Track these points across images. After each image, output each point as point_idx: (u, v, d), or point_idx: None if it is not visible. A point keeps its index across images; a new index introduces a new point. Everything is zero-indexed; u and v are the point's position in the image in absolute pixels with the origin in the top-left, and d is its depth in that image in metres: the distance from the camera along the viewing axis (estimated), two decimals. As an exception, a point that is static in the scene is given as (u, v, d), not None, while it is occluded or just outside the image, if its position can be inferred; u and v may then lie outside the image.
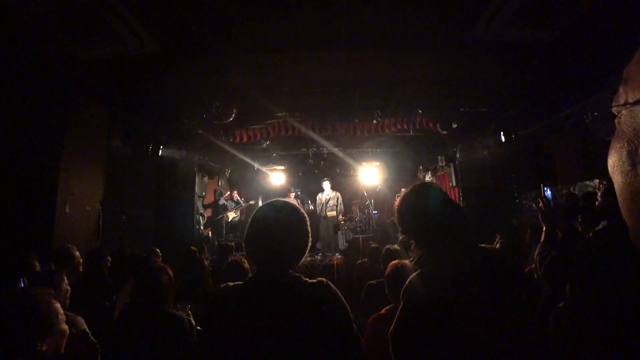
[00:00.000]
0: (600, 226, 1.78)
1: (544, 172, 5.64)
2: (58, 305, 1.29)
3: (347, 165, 8.72)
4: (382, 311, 1.99)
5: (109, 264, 3.39)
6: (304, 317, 1.08)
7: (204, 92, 4.98)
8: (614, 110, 0.44)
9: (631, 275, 1.49)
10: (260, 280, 1.16)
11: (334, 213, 8.08)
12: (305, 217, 1.24)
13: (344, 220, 8.26)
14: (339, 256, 6.80)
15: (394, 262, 2.09)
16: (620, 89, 0.44)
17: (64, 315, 1.30)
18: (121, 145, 5.34)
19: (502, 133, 5.81)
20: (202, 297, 2.82)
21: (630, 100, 0.41)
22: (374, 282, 2.83)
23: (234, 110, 5.18)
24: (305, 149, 7.89)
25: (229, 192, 8.88)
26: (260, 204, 1.62)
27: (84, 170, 4.71)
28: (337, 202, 8.16)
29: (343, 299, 1.17)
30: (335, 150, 7.68)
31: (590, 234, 1.80)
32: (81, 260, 2.99)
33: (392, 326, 1.18)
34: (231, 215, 8.54)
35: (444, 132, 5.88)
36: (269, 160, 8.38)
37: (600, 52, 3.71)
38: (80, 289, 2.59)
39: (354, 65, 4.43)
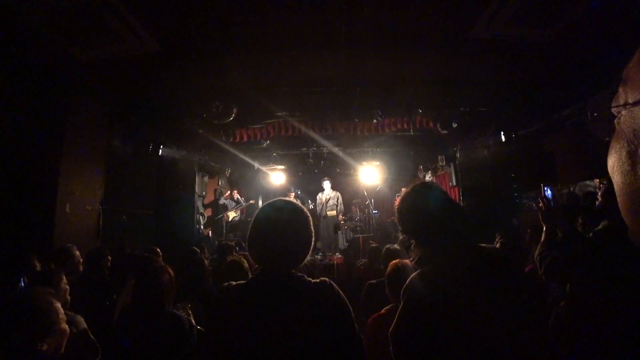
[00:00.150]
0: (600, 226, 1.78)
1: (544, 172, 5.64)
2: (58, 305, 1.30)
3: (347, 165, 8.72)
4: (382, 311, 1.99)
5: (109, 264, 3.39)
6: (307, 316, 1.08)
7: (204, 92, 4.98)
8: (614, 110, 0.45)
9: (631, 275, 1.49)
10: (263, 279, 1.16)
11: (334, 213, 8.08)
12: (308, 217, 1.24)
13: (344, 219, 8.26)
14: (339, 256, 6.80)
15: (394, 261, 2.09)
16: (620, 90, 0.44)
17: (64, 315, 1.30)
18: (121, 145, 5.34)
19: (502, 133, 5.81)
20: (202, 296, 2.82)
21: (630, 101, 0.41)
22: (374, 281, 2.83)
23: (234, 110, 5.18)
24: (305, 149, 7.89)
25: (229, 192, 8.88)
26: (260, 203, 1.62)
27: (84, 170, 4.71)
28: (337, 201, 8.16)
29: (346, 299, 1.17)
30: (336, 149, 7.68)
31: (591, 234, 1.80)
32: (81, 260, 3.00)
33: (392, 326, 1.19)
34: (231, 214, 8.54)
35: (444, 132, 5.88)
36: (269, 160, 8.38)
37: (600, 52, 3.70)
38: (80, 289, 2.60)
39: (354, 65, 4.43)
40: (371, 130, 6.13)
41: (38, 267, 2.82)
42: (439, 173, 8.12)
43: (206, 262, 4.25)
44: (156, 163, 6.43)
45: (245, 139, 6.32)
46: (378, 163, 8.55)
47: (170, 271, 2.00)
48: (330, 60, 4.29)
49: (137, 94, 5.00)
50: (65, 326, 1.28)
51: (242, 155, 7.71)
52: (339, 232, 8.33)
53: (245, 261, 2.63)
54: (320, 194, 8.40)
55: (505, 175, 6.37)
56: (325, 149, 7.64)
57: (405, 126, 6.03)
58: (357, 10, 3.32)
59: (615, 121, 0.45)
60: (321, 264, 6.20)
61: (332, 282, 1.19)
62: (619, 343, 1.47)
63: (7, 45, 3.43)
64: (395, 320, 1.18)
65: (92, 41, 3.57)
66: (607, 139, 0.48)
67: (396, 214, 1.41)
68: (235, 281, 1.19)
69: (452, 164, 7.11)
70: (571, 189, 4.71)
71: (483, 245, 1.30)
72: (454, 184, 7.02)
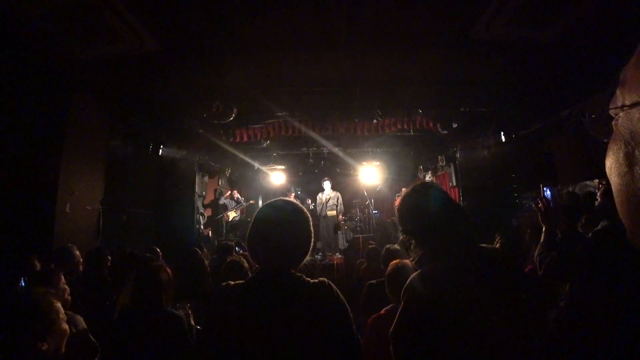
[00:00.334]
0: (599, 226, 1.78)
1: (544, 172, 5.64)
2: (59, 305, 1.30)
3: (347, 165, 8.72)
4: (382, 311, 2.00)
5: (109, 264, 3.39)
6: (305, 316, 1.09)
7: (204, 92, 4.98)
8: (611, 112, 0.45)
9: (630, 275, 1.49)
10: (262, 279, 1.16)
11: (334, 213, 8.09)
12: (308, 217, 1.25)
13: (344, 220, 8.27)
14: (339, 256, 6.81)
15: (394, 262, 2.09)
16: (617, 92, 0.44)
17: (64, 315, 1.31)
18: (121, 145, 5.35)
19: (502, 133, 5.81)
20: (202, 296, 2.83)
21: (627, 103, 0.42)
22: (374, 282, 2.84)
23: (234, 110, 5.18)
24: (305, 149, 7.89)
25: (229, 192, 8.88)
26: (260, 203, 1.62)
27: (84, 170, 4.71)
28: (337, 201, 8.17)
29: (344, 299, 1.18)
30: (336, 149, 7.68)
31: (590, 234, 1.80)
32: (81, 260, 3.00)
33: (392, 326, 1.19)
34: (231, 214, 8.54)
35: (444, 132, 5.88)
36: (269, 160, 8.38)
37: (601, 52, 3.71)
38: (80, 289, 2.60)
39: (354, 65, 4.43)
40: (371, 130, 6.13)
41: (38, 267, 2.82)
42: (439, 173, 8.12)
43: (206, 262, 4.26)
44: (156, 163, 6.43)
45: (245, 139, 6.32)
46: (378, 163, 8.55)
47: (168, 270, 2.00)
48: (330, 60, 4.30)
49: (137, 93, 5.00)
50: (66, 326, 1.28)
51: (242, 155, 7.71)
52: (339, 232, 8.34)
53: (245, 261, 2.64)
54: (320, 194, 8.40)
55: (505, 175, 6.37)
56: (325, 149, 7.64)
57: (405, 126, 6.03)
58: (357, 10, 3.32)
59: (613, 123, 0.45)
60: (321, 264, 6.20)
61: (330, 282, 1.19)
62: (619, 342, 1.47)
63: (7, 44, 3.43)
64: (395, 320, 1.18)
65: (93, 41, 3.57)
66: (606, 140, 0.48)
67: (396, 214, 1.41)
68: (235, 281, 1.19)
69: (452, 164, 7.11)
70: (570, 189, 4.71)
71: (483, 245, 1.30)
72: (454, 184, 7.02)
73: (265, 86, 4.93)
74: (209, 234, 8.14)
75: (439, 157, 7.39)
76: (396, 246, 3.29)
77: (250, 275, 1.39)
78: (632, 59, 0.43)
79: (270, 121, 6.13)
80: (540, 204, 1.94)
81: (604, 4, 3.07)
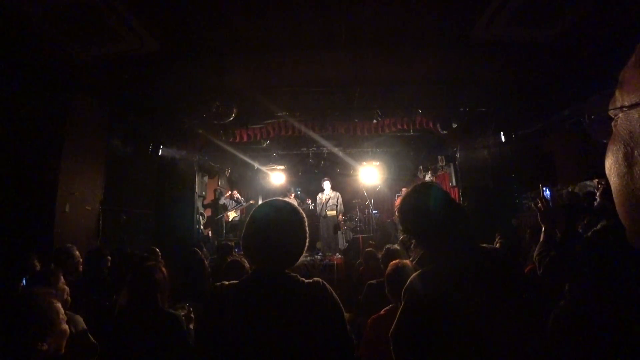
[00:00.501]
0: (599, 226, 1.78)
1: (544, 172, 5.64)
2: (59, 305, 1.30)
3: (347, 165, 8.72)
4: (382, 312, 2.00)
5: (109, 264, 3.39)
6: (299, 316, 1.09)
7: (204, 92, 4.98)
8: (611, 113, 0.45)
9: (630, 275, 1.49)
10: (257, 279, 1.17)
11: (334, 213, 8.09)
12: (303, 217, 1.25)
13: (344, 220, 8.27)
14: (339, 256, 6.80)
15: (394, 262, 2.09)
16: (616, 93, 0.44)
17: (64, 315, 1.31)
18: (121, 145, 5.35)
19: (502, 133, 5.81)
20: (202, 296, 2.83)
21: (626, 104, 0.42)
22: (373, 282, 2.84)
23: (234, 110, 5.18)
24: (305, 149, 7.89)
25: (229, 192, 8.88)
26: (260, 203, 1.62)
27: (84, 170, 4.71)
28: (337, 201, 8.17)
29: (338, 300, 1.18)
30: (335, 150, 7.68)
31: (589, 234, 1.80)
32: (81, 260, 3.00)
33: (393, 326, 1.19)
34: (231, 215, 8.54)
35: (444, 132, 5.88)
36: (269, 160, 8.38)
37: (600, 52, 3.71)
38: (80, 289, 2.60)
39: (354, 65, 4.43)
40: (371, 130, 6.13)
41: (38, 267, 2.82)
42: (439, 173, 8.12)
43: (206, 262, 4.26)
44: (156, 163, 6.43)
45: (245, 139, 6.32)
46: (378, 163, 8.55)
47: (163, 270, 2.00)
48: (330, 60, 4.30)
49: (137, 93, 5.00)
50: (66, 326, 1.28)
51: (242, 155, 7.71)
52: (339, 232, 8.34)
53: (245, 261, 2.63)
54: (320, 194, 8.40)
55: (505, 175, 6.37)
56: (325, 149, 7.64)
57: (405, 126, 6.03)
58: (358, 10, 3.33)
59: (612, 123, 0.45)
60: (321, 264, 6.20)
61: (324, 282, 1.19)
62: (618, 342, 1.47)
63: (7, 45, 3.43)
64: (396, 320, 1.19)
65: (92, 40, 3.57)
66: (605, 141, 0.48)
67: (397, 214, 1.41)
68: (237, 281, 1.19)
69: (452, 164, 7.11)
70: (570, 189, 4.71)
71: (483, 245, 1.31)
72: (454, 184, 7.02)
73: (265, 86, 4.93)
74: (208, 234, 8.13)
75: (439, 157, 7.39)
76: (396, 246, 3.29)
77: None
78: (631, 59, 0.43)
79: (270, 121, 6.13)
80: (540, 204, 1.94)
81: (604, 4, 3.07)
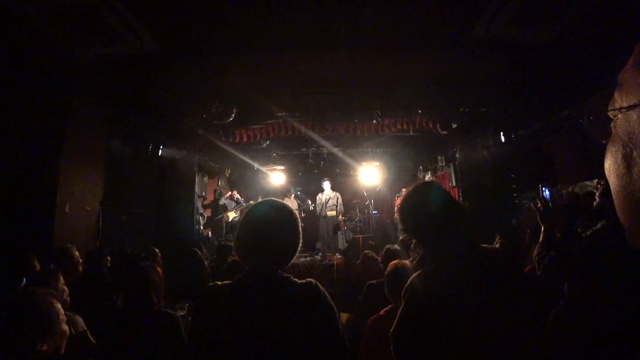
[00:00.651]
0: (598, 225, 1.78)
1: (544, 172, 5.64)
2: (59, 306, 1.30)
3: (347, 165, 8.73)
4: (382, 312, 2.00)
5: (109, 264, 3.39)
6: (291, 317, 1.09)
7: (204, 92, 4.98)
8: (610, 114, 0.45)
9: (629, 275, 1.49)
10: (250, 279, 1.16)
11: (334, 213, 8.08)
12: (296, 217, 1.25)
13: (344, 220, 8.27)
14: (339, 256, 6.80)
15: (393, 262, 2.09)
16: (615, 94, 0.44)
17: (64, 316, 1.31)
18: (121, 145, 5.34)
19: (502, 133, 5.81)
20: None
21: (625, 105, 0.42)
22: (374, 282, 2.84)
23: (234, 110, 5.18)
24: (305, 149, 7.89)
25: (229, 192, 8.88)
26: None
27: (84, 170, 4.71)
28: (337, 202, 8.16)
29: (331, 300, 1.18)
30: (335, 150, 7.68)
31: (589, 232, 1.80)
32: (80, 260, 3.00)
33: (393, 326, 1.19)
34: (231, 215, 8.54)
35: (444, 132, 5.88)
36: (269, 160, 8.38)
37: (600, 52, 3.71)
38: (80, 289, 2.60)
39: (354, 65, 4.43)
40: (371, 130, 6.14)
41: (38, 267, 2.82)
42: (438, 173, 8.13)
43: (206, 262, 4.26)
44: (156, 163, 6.43)
45: (245, 139, 6.32)
46: (378, 163, 8.55)
47: (159, 270, 2.00)
48: (330, 60, 4.30)
49: (137, 94, 5.00)
50: (66, 327, 1.28)
51: (241, 156, 7.71)
52: (339, 233, 8.34)
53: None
54: (320, 194, 8.40)
55: (504, 175, 6.38)
56: (325, 149, 7.65)
57: (405, 126, 6.03)
58: (357, 10, 3.33)
59: (612, 124, 0.45)
60: (321, 264, 6.20)
61: (317, 283, 1.19)
62: (618, 342, 1.47)
63: (6, 45, 3.43)
64: (396, 320, 1.18)
65: (92, 41, 3.57)
66: (604, 141, 0.48)
67: (398, 213, 1.41)
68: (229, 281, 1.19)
69: (451, 165, 7.11)
70: (570, 189, 4.72)
71: (484, 245, 1.31)
72: (454, 184, 7.03)
73: (265, 86, 4.93)
74: (208, 234, 8.14)
75: (439, 158, 7.39)
76: (396, 246, 3.29)
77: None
78: (630, 60, 0.43)
79: (270, 121, 6.13)
80: (540, 204, 1.94)
81: (603, 4, 3.08)
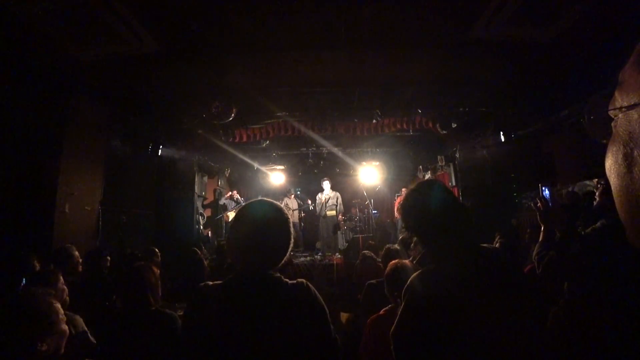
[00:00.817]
0: (598, 224, 1.78)
1: (543, 172, 5.64)
2: (58, 305, 1.30)
3: (346, 165, 8.72)
4: (382, 312, 1.99)
5: (109, 264, 3.39)
6: (282, 317, 1.09)
7: (203, 92, 4.98)
8: (610, 113, 0.45)
9: (629, 274, 1.49)
10: (241, 280, 1.16)
11: (334, 213, 8.08)
12: (288, 217, 1.24)
13: (344, 219, 8.26)
14: (339, 256, 6.80)
15: (392, 262, 2.09)
16: (616, 93, 0.44)
17: (64, 316, 1.31)
18: (121, 145, 5.35)
19: (501, 133, 5.82)
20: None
21: (625, 104, 0.42)
22: (374, 282, 2.83)
23: (234, 110, 5.18)
24: (304, 149, 7.89)
25: (229, 192, 8.88)
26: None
27: (84, 170, 4.71)
28: (337, 201, 8.16)
29: (322, 301, 1.18)
30: (335, 149, 7.68)
31: (589, 230, 1.80)
32: (80, 260, 3.00)
33: (393, 326, 1.19)
34: (231, 215, 8.53)
35: (444, 132, 5.88)
36: (269, 160, 8.38)
37: (600, 52, 3.71)
38: (80, 289, 2.60)
39: (354, 65, 4.43)
40: (371, 130, 6.14)
41: (37, 267, 2.82)
42: (438, 173, 8.13)
43: (205, 262, 4.26)
44: (156, 163, 6.43)
45: (245, 139, 6.32)
46: (377, 163, 8.55)
47: (155, 269, 2.00)
48: (330, 60, 4.30)
49: (136, 94, 5.00)
50: (65, 327, 1.28)
51: (241, 155, 7.71)
52: (339, 232, 8.33)
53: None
54: (319, 194, 8.40)
55: (504, 175, 6.37)
56: (324, 149, 7.65)
57: (405, 126, 6.03)
58: (357, 10, 3.33)
59: (612, 124, 0.45)
60: (321, 264, 6.20)
61: (308, 283, 1.19)
62: (618, 342, 1.47)
63: (7, 45, 3.42)
64: (396, 320, 1.18)
65: (92, 41, 3.57)
66: (605, 141, 0.48)
67: (400, 211, 1.41)
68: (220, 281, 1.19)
69: (451, 164, 7.11)
70: (569, 189, 4.72)
71: (484, 245, 1.30)
72: (454, 184, 7.03)
73: (265, 86, 4.93)
74: (208, 234, 8.13)
75: (439, 157, 7.39)
76: (396, 246, 3.29)
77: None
78: (630, 60, 0.43)
79: (269, 121, 6.13)
80: (539, 204, 1.94)
81: (603, 4, 3.08)
